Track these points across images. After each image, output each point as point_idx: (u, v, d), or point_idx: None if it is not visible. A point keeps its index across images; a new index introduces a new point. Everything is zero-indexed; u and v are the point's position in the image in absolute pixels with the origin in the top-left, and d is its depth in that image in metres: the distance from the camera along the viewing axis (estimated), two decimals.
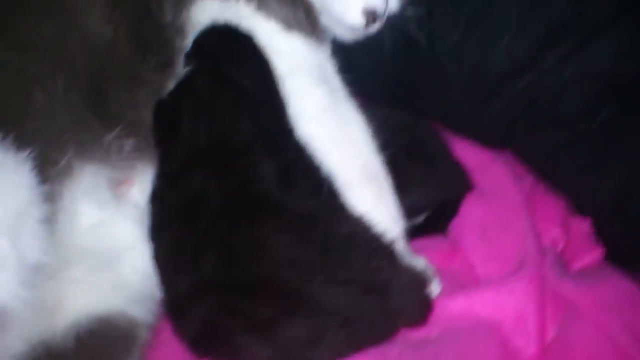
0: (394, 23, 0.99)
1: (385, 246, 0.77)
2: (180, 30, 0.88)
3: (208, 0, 0.88)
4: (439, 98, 1.08)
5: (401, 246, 0.84)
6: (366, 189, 0.84)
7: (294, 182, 0.79)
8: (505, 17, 1.00)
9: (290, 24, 0.89)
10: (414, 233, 0.91)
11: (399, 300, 0.72)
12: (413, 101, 1.11)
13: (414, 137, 0.99)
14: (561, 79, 0.96)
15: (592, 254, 0.91)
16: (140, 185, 0.83)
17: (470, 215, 0.94)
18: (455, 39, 1.03)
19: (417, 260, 0.83)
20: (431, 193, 0.95)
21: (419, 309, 0.75)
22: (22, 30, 0.78)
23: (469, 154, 1.03)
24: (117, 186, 0.82)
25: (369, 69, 1.11)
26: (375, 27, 0.96)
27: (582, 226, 0.94)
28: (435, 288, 0.82)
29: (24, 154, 0.69)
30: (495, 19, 1.00)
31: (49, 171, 0.73)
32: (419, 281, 0.77)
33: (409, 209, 0.89)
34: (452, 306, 0.81)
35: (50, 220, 0.70)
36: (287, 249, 0.71)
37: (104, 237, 0.79)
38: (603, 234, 0.91)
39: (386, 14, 0.95)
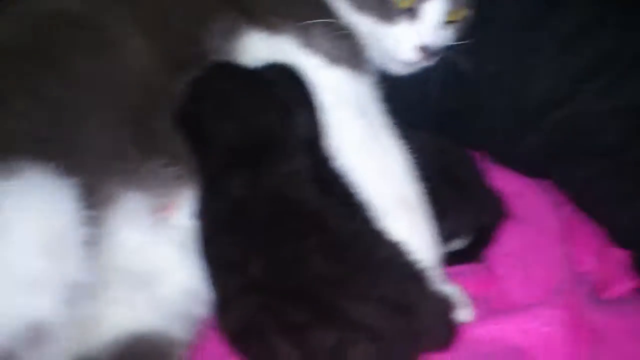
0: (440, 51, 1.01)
1: (417, 272, 0.80)
2: (226, 53, 0.91)
3: (258, 32, 0.92)
4: (480, 129, 1.11)
5: (436, 273, 0.86)
6: (403, 219, 0.85)
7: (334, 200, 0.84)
8: (548, 48, 1.02)
9: (334, 58, 0.92)
10: (450, 260, 0.94)
11: (424, 321, 0.74)
12: (455, 131, 1.14)
13: (450, 161, 1.01)
14: (600, 111, 0.97)
15: (626, 284, 0.92)
16: (181, 210, 0.87)
17: (507, 242, 0.96)
18: (497, 70, 1.06)
19: (450, 287, 0.85)
20: (465, 219, 0.97)
21: (444, 332, 0.77)
22: (73, 67, 0.83)
23: (507, 181, 1.05)
24: (158, 212, 0.86)
25: (413, 99, 1.14)
26: (429, 63, 0.98)
27: (620, 256, 0.95)
28: (467, 314, 0.84)
29: (71, 180, 0.74)
30: (538, 49, 1.03)
31: (94, 198, 0.77)
32: (446, 306, 0.79)
33: (444, 234, 0.91)
34: (481, 331, 0.83)
35: (93, 243, 0.75)
36: (325, 265, 0.75)
37: (144, 259, 0.83)
38: (637, 265, 0.92)
39: (441, 49, 0.97)
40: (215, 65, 0.89)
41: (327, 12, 0.94)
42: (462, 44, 1.04)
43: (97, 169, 0.79)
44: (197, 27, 0.89)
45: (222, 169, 0.83)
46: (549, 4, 1.04)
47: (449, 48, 1.03)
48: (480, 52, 1.06)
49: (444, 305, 0.79)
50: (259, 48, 0.92)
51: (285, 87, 0.89)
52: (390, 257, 0.80)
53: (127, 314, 0.81)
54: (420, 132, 1.03)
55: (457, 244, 0.98)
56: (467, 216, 0.96)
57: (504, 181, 1.05)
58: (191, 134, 0.85)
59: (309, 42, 0.91)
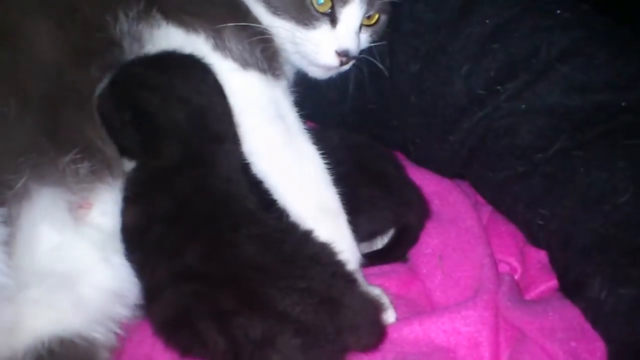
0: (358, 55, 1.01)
1: (345, 271, 0.81)
2: (135, 39, 0.89)
3: (173, 27, 0.90)
4: (399, 128, 1.11)
5: (359, 275, 0.86)
6: (323, 223, 0.85)
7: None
8: (464, 51, 1.03)
9: (246, 62, 0.91)
10: (372, 260, 0.93)
11: (351, 319, 0.74)
12: (374, 131, 1.14)
13: (369, 157, 1.01)
14: (516, 112, 0.99)
15: (547, 284, 0.94)
16: (99, 207, 0.84)
17: (428, 243, 0.97)
18: (415, 71, 1.06)
19: (373, 289, 0.85)
20: (385, 214, 0.96)
21: (371, 332, 0.77)
22: None
23: (428, 182, 1.06)
24: (76, 209, 0.83)
25: (332, 99, 1.14)
26: (348, 66, 0.99)
27: (539, 256, 0.97)
28: (390, 316, 0.84)
29: None
30: (453, 52, 1.04)
31: (5, 194, 0.74)
32: (373, 305, 0.79)
33: (363, 231, 0.92)
34: (407, 332, 0.83)
35: (8, 243, 0.71)
36: (257, 255, 0.76)
37: (63, 258, 0.80)
38: (553, 264, 0.94)
39: (358, 52, 0.97)
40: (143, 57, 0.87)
41: (242, 15, 0.93)
42: (379, 44, 1.05)
43: (6, 162, 0.76)
44: (104, 11, 0.86)
45: (173, 165, 0.83)
46: (464, 7, 1.06)
47: (366, 49, 1.04)
48: (398, 53, 1.07)
49: (372, 305, 0.79)
50: (175, 45, 0.89)
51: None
52: (318, 254, 0.80)
53: (48, 316, 0.78)
54: (337, 130, 1.04)
55: (379, 243, 0.97)
56: (386, 211, 0.96)
57: (423, 181, 1.06)
58: (137, 126, 0.82)
59: (221, 45, 0.90)
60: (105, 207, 0.84)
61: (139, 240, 0.80)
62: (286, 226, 0.84)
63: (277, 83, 0.93)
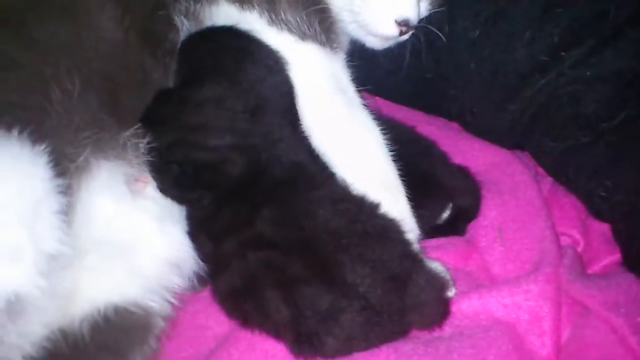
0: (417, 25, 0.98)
1: (412, 248, 0.80)
2: (194, 18, 0.89)
3: (227, 5, 0.89)
4: (457, 97, 1.08)
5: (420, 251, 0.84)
6: (382, 196, 0.84)
7: None
8: (525, 16, 0.99)
9: (304, 34, 0.89)
10: (431, 234, 0.92)
11: (417, 298, 0.73)
12: (431, 100, 1.12)
13: (410, 154, 0.94)
14: (581, 79, 0.95)
15: (610, 256, 0.91)
16: None
17: (488, 215, 0.95)
18: (475, 37, 1.03)
19: (432, 263, 0.83)
20: (424, 218, 0.91)
21: (436, 309, 0.76)
22: (38, 31, 0.79)
23: (486, 153, 1.04)
24: (133, 182, 0.84)
25: (388, 69, 1.12)
26: (407, 36, 0.96)
27: (602, 228, 0.94)
28: (450, 290, 0.82)
29: (40, 148, 0.71)
30: (515, 17, 1.00)
31: (67, 166, 0.75)
32: (439, 283, 0.78)
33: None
34: (466, 305, 0.81)
35: (67, 212, 0.72)
36: (332, 219, 0.76)
37: (120, 228, 0.81)
38: (617, 237, 0.91)
39: (417, 21, 0.94)
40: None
41: None
42: (437, 10, 1.02)
43: (68, 137, 0.77)
44: None
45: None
46: None
47: (423, 16, 1.01)
48: (457, 19, 1.04)
49: (438, 283, 0.77)
50: (229, 21, 0.89)
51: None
52: (388, 228, 0.79)
53: (104, 284, 0.79)
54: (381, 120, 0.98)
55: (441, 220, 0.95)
56: (425, 214, 0.91)
57: (481, 152, 1.04)
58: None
59: (276, 19, 0.89)
60: None
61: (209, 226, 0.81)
62: (358, 196, 0.82)
63: (335, 56, 0.92)
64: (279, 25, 0.89)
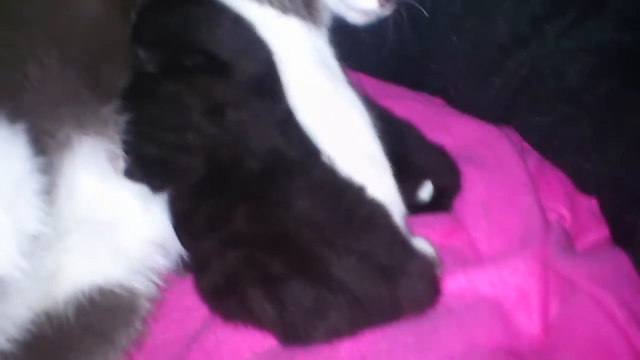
0: None
1: (401, 235, 0.78)
2: None
3: None
4: (440, 72, 1.07)
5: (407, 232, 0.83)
6: (368, 172, 0.83)
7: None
8: None
9: (286, 8, 0.88)
10: (416, 210, 0.90)
11: (408, 289, 0.72)
12: (414, 76, 1.11)
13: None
14: (563, 51, 0.95)
15: (598, 231, 0.90)
16: None
17: (473, 190, 0.93)
18: (457, 11, 1.02)
19: (417, 240, 0.82)
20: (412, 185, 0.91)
21: (428, 294, 0.74)
22: (13, 6, 0.78)
23: (470, 128, 1.02)
24: (116, 158, 0.82)
25: (370, 44, 1.10)
26: (388, 10, 0.95)
27: (589, 203, 0.93)
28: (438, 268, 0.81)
29: (19, 126, 0.69)
30: None
31: (47, 143, 0.73)
32: (430, 266, 0.76)
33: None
34: (452, 283, 0.80)
35: (49, 191, 0.71)
36: (312, 209, 0.73)
37: (103, 207, 0.80)
38: (604, 211, 0.90)
39: None
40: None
41: None
42: None
43: (47, 113, 0.75)
44: None
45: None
46: None
47: None
48: None
49: (430, 266, 0.76)
50: None
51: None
52: (374, 213, 0.77)
53: (87, 265, 0.78)
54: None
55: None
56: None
57: (466, 127, 1.03)
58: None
59: None
60: None
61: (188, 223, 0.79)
62: (340, 180, 0.79)
63: (318, 31, 0.91)
64: (260, 0, 0.87)
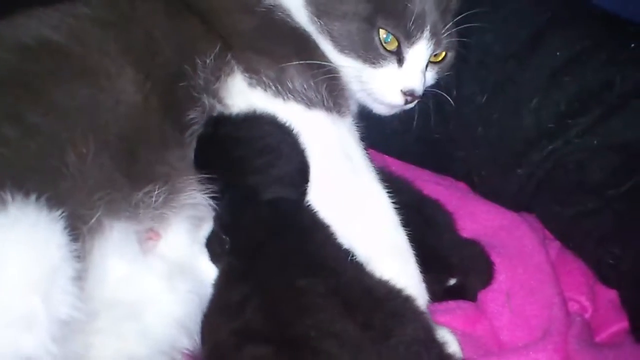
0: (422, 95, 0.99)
1: (425, 323, 0.79)
2: (213, 93, 0.90)
3: (240, 75, 0.91)
4: (465, 159, 1.10)
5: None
6: (392, 262, 0.84)
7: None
8: (532, 83, 1.02)
9: (311, 102, 0.91)
10: (440, 297, 0.92)
11: None
12: (439, 161, 1.13)
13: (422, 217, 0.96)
14: (588, 147, 0.97)
15: (618, 324, 0.91)
16: (167, 238, 0.85)
17: (497, 278, 0.95)
18: (483, 102, 1.05)
19: (441, 330, 0.83)
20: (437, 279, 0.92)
21: None
22: (57, 96, 0.80)
23: (494, 215, 1.04)
24: (145, 240, 0.84)
25: (395, 129, 1.13)
26: (412, 104, 0.98)
27: (610, 295, 0.94)
28: (457, 356, 0.82)
29: (57, 213, 0.71)
30: (522, 83, 1.02)
31: (80, 228, 0.75)
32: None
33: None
34: None
35: (80, 277, 0.72)
36: (336, 320, 0.71)
37: (130, 289, 0.81)
38: (624, 304, 0.91)
39: (423, 91, 0.96)
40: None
41: (310, 53, 0.93)
42: (446, 75, 1.04)
43: (82, 200, 0.76)
44: (183, 60, 0.87)
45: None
46: (534, 39, 1.04)
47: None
48: (465, 84, 1.06)
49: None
50: (240, 90, 0.91)
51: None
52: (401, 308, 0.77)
53: (115, 346, 0.78)
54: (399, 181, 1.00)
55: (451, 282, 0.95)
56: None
57: (489, 215, 1.04)
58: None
59: (283, 88, 0.90)
60: (173, 237, 0.85)
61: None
62: (368, 283, 0.79)
63: (342, 120, 0.93)
64: (285, 96, 0.90)
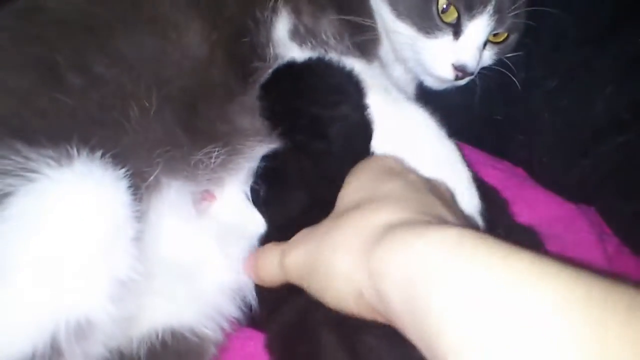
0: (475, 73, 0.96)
1: None
2: (273, 45, 0.87)
3: (284, 14, 0.88)
4: (526, 144, 1.06)
5: None
6: (442, 171, 0.81)
7: None
8: (609, 70, 0.97)
9: (342, 53, 0.88)
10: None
11: None
12: (498, 144, 1.09)
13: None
14: None
15: None
16: (222, 200, 0.84)
17: None
18: (552, 87, 1.00)
19: None
20: None
21: None
22: (124, 46, 0.78)
23: (551, 205, 1.00)
24: (199, 201, 0.82)
25: (456, 106, 1.09)
26: (465, 81, 0.95)
27: None
28: None
29: (121, 171, 0.69)
30: (599, 69, 0.98)
31: (139, 186, 0.73)
32: None
33: None
34: None
35: (141, 238, 0.71)
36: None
37: (184, 251, 0.80)
38: None
39: (477, 70, 0.93)
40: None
41: (353, 9, 0.91)
42: (515, 55, 1.00)
43: (144, 156, 0.75)
44: (246, 14, 0.86)
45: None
46: (612, 25, 0.99)
47: (498, 60, 1.00)
48: (536, 67, 1.02)
49: None
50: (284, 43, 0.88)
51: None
52: None
53: (166, 308, 0.78)
54: None
55: None
56: None
57: (546, 204, 1.01)
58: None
59: (319, 38, 0.88)
60: (228, 200, 0.83)
61: None
62: None
63: (370, 65, 0.90)
64: (319, 49, 0.87)
